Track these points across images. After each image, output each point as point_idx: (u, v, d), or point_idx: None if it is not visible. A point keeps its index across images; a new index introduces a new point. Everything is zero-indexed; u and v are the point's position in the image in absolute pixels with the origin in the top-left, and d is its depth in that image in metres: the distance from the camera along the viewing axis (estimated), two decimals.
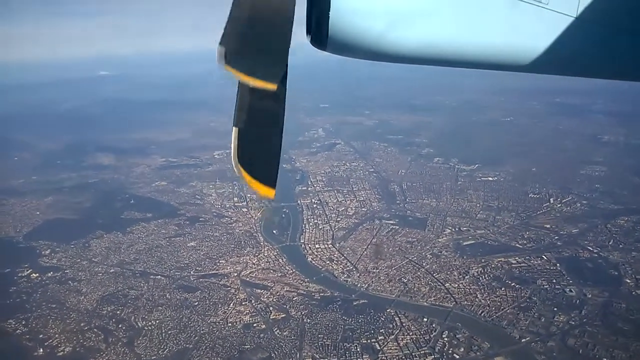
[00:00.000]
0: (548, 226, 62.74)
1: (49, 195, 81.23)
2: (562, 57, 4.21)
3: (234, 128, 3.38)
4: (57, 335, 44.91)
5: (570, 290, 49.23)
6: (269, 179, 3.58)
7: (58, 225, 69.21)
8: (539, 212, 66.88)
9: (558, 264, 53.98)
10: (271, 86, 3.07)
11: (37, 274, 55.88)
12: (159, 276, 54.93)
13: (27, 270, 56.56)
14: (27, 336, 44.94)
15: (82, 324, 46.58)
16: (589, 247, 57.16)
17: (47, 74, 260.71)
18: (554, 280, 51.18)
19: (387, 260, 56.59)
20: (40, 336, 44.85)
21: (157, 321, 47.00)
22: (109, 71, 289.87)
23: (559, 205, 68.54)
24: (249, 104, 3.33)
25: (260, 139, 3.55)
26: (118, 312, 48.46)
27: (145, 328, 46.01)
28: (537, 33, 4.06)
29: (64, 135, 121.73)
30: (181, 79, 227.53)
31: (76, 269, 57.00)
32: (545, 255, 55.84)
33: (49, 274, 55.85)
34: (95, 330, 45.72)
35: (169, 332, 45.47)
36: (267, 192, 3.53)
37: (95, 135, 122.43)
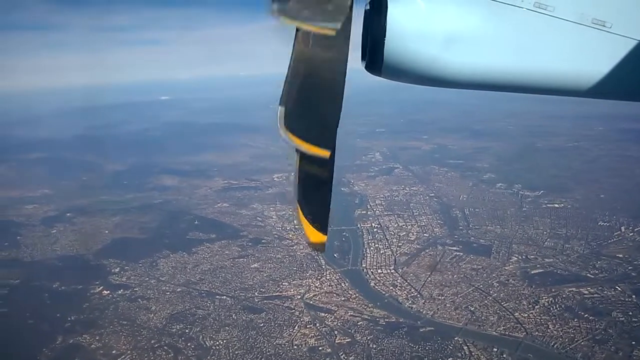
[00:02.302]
0: (620, 256, 60.04)
1: (116, 214, 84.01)
2: (627, 82, 4.08)
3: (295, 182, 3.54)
4: (129, 352, 46.13)
5: None
6: (322, 228, 3.66)
7: (126, 244, 71.35)
8: (610, 241, 64.15)
9: (634, 296, 51.44)
10: (325, 153, 3.20)
11: (108, 291, 57.73)
12: (225, 296, 55.80)
13: (99, 288, 58.51)
14: (101, 351, 46.38)
15: (152, 341, 47.69)
16: None
17: (111, 98, 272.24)
18: (631, 313, 48.72)
19: (452, 287, 55.58)
20: (114, 352, 46.18)
21: (225, 341, 47.62)
22: (169, 96, 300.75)
23: (631, 234, 65.53)
24: (302, 165, 3.44)
25: (313, 193, 3.65)
26: (187, 330, 49.39)
27: (213, 347, 46.68)
28: (600, 57, 3.94)
29: (129, 157, 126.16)
30: (238, 103, 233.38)
31: (145, 287, 58.62)
32: (619, 286, 53.35)
33: (120, 292, 57.60)
34: (165, 347, 46.71)
35: (236, 352, 45.98)
36: (319, 237, 3.63)
37: (158, 157, 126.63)
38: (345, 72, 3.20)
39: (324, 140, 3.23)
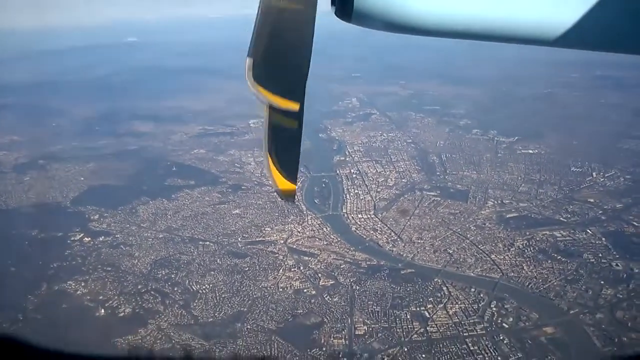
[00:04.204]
0: (592, 200, 62.31)
1: (90, 161, 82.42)
2: (596, 32, 4.06)
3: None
4: (116, 297, 46.52)
5: (617, 265, 49.09)
6: (291, 176, 3.73)
7: (103, 191, 70.50)
8: (582, 186, 66.43)
9: (603, 238, 53.81)
10: (294, 106, 3.22)
11: (89, 238, 57.23)
12: (208, 242, 56.21)
13: (79, 235, 57.93)
14: (88, 297, 46.60)
15: (139, 287, 48.15)
16: (634, 223, 56.71)
17: (73, 41, 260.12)
18: (600, 255, 51.12)
19: (431, 231, 57.13)
20: (100, 297, 46.49)
21: (211, 285, 48.39)
22: (136, 37, 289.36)
23: (602, 180, 67.85)
24: (271, 118, 3.44)
25: (283, 144, 3.67)
26: (172, 275, 49.87)
27: (200, 291, 47.46)
28: (572, 7, 3.89)
29: (98, 102, 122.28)
30: (209, 45, 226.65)
31: (126, 233, 58.41)
32: (590, 230, 55.68)
33: (101, 238, 57.24)
34: (152, 292, 47.24)
35: (223, 295, 46.88)
36: (289, 186, 3.70)
37: (129, 102, 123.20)
38: (314, 23, 3.17)
39: (293, 93, 3.25)
